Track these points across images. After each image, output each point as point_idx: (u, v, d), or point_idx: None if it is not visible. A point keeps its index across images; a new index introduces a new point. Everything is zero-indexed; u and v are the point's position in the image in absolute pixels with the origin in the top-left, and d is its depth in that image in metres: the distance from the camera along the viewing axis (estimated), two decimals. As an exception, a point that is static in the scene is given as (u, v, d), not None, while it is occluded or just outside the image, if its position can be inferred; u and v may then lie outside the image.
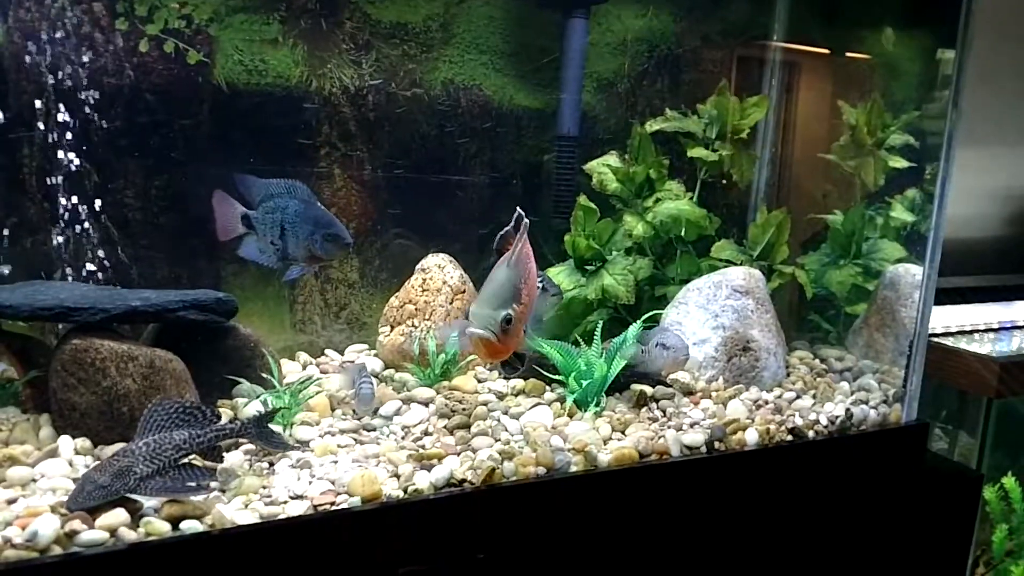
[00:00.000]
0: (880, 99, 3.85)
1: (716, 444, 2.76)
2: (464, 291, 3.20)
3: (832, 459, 3.01)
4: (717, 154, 3.50)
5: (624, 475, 2.53)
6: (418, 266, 3.26)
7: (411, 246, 3.42)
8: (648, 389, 2.96)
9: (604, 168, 3.42)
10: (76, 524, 1.85)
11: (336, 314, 3.38)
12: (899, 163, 3.79)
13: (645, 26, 3.68)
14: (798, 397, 3.21)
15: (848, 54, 4.15)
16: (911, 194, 3.92)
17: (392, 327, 3.19)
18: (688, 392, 3.06)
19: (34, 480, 2.07)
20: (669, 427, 2.80)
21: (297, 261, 2.56)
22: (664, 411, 2.92)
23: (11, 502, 1.96)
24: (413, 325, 3.13)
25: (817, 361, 3.63)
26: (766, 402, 3.11)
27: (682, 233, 3.38)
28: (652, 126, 3.49)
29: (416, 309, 3.16)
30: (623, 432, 2.73)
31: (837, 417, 3.06)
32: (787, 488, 2.90)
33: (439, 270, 3.21)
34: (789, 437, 2.93)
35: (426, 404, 2.82)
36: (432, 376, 2.97)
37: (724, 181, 3.69)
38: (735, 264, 3.44)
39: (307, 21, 3.08)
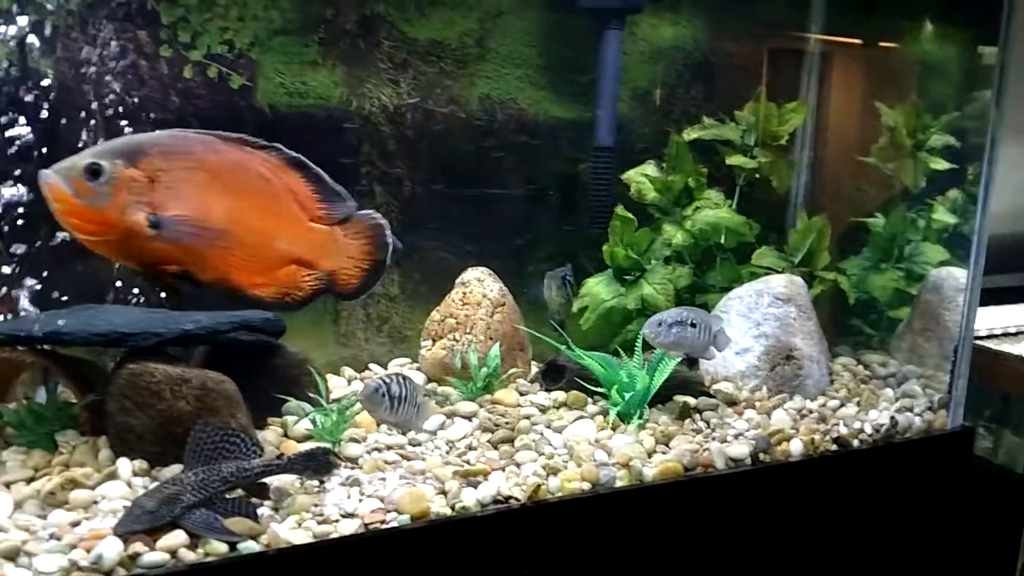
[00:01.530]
0: (919, 100, 3.80)
1: (761, 455, 2.76)
2: (504, 304, 3.22)
3: (878, 468, 2.99)
4: (756, 161, 3.49)
5: (669, 489, 2.54)
6: (458, 280, 3.29)
7: (449, 259, 3.45)
8: (691, 400, 2.97)
9: (642, 177, 3.43)
10: (139, 546, 1.90)
11: (378, 328, 3.43)
12: (940, 165, 3.74)
13: (679, 33, 3.68)
14: (842, 405, 3.19)
15: (885, 54, 4.12)
16: (953, 195, 3.88)
17: (434, 341, 3.22)
18: (731, 402, 3.06)
19: (95, 502, 2.13)
20: (713, 439, 2.80)
21: None
22: (708, 422, 2.92)
23: (75, 524, 2.02)
24: (454, 339, 3.16)
25: (860, 367, 3.61)
26: (810, 411, 3.09)
27: (722, 240, 3.38)
28: (689, 134, 3.49)
29: (457, 323, 3.19)
30: (667, 445, 2.74)
31: (882, 425, 3.04)
32: (833, 498, 2.89)
33: (479, 284, 3.24)
34: (834, 447, 2.92)
35: (469, 418, 2.84)
36: (474, 390, 2.99)
37: (760, 187, 3.68)
38: (776, 271, 3.42)
39: (345, 42, 3.12)
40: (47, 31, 2.61)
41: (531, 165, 3.51)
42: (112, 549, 1.88)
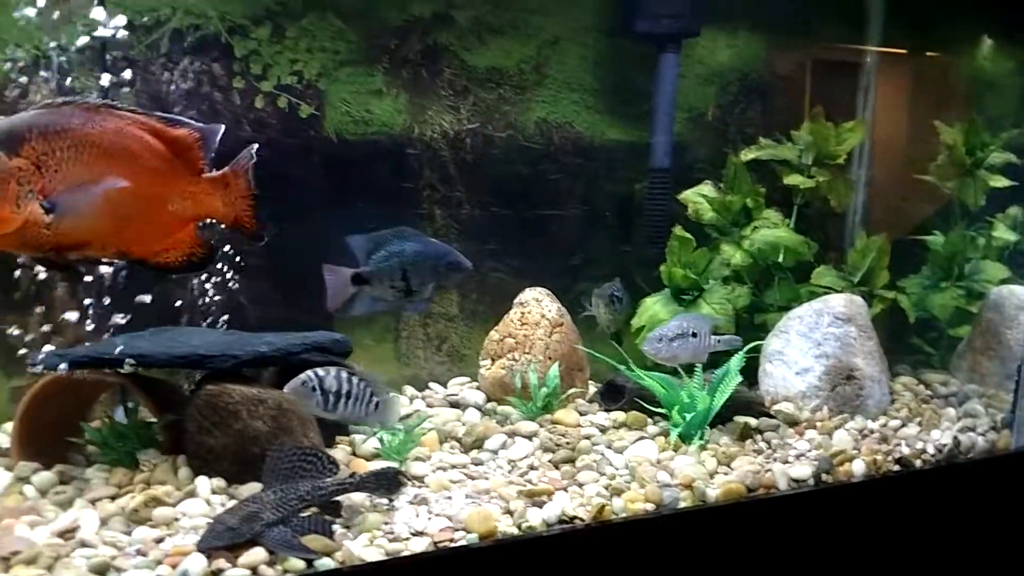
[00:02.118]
0: (978, 117, 3.78)
1: (823, 476, 2.75)
2: (562, 324, 3.26)
3: (941, 489, 2.96)
4: (813, 180, 3.49)
5: (733, 510, 2.54)
6: (516, 300, 3.34)
7: (507, 280, 3.51)
8: (752, 421, 2.97)
9: (699, 198, 3.46)
10: (221, 563, 1.97)
11: (437, 347, 3.49)
12: (1000, 182, 3.71)
13: (735, 55, 3.71)
14: (904, 425, 3.17)
15: (943, 72, 4.09)
16: (1013, 213, 3.84)
17: (493, 360, 3.27)
18: (792, 423, 3.05)
19: (176, 519, 2.21)
20: (775, 460, 2.81)
21: (422, 295, 2.68)
22: (769, 443, 2.92)
23: (159, 541, 2.10)
24: (513, 359, 3.21)
25: (921, 387, 3.58)
26: (871, 431, 3.08)
27: (780, 260, 3.38)
28: (747, 155, 3.51)
29: (516, 343, 3.23)
30: (728, 466, 2.75)
31: (945, 446, 3.02)
32: (897, 520, 2.86)
33: (537, 304, 3.29)
34: (897, 467, 2.90)
35: (530, 438, 2.88)
36: (534, 409, 3.03)
37: (817, 206, 3.67)
38: (835, 291, 3.42)
39: (408, 71, 3.22)
40: (127, 66, 2.74)
41: (587, 187, 3.56)
42: (197, 565, 1.95)
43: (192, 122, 2.17)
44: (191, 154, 2.16)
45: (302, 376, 2.37)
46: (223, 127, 2.20)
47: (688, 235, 3.40)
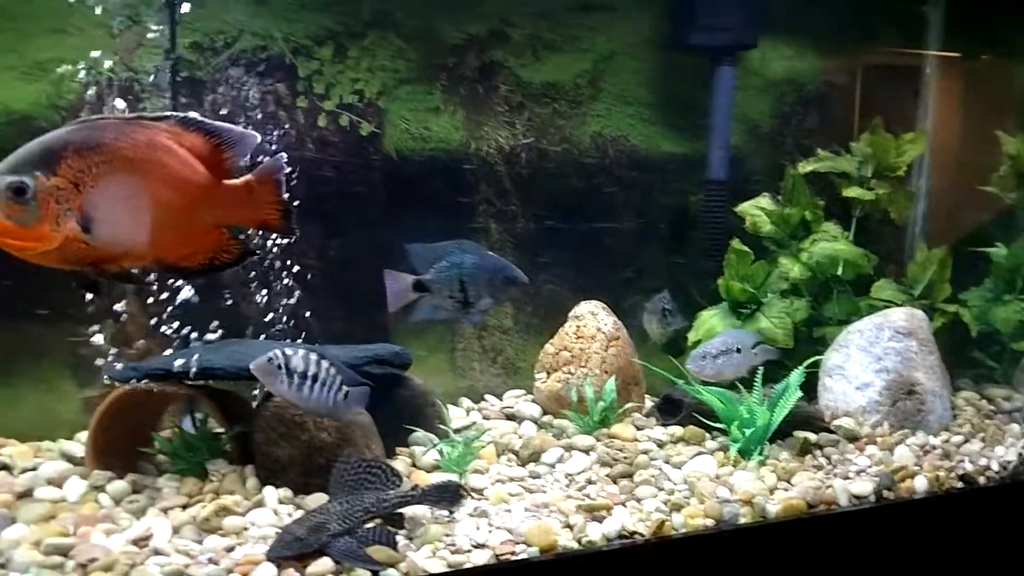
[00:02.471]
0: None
1: (884, 493, 2.72)
2: (618, 338, 3.27)
3: (1006, 506, 2.90)
4: (873, 192, 3.45)
5: (794, 526, 2.52)
6: (571, 313, 3.35)
7: (562, 293, 3.53)
8: (812, 436, 2.95)
9: (757, 210, 3.44)
10: (290, 572, 2.02)
11: (492, 360, 3.52)
12: (1065, 192, 3.63)
13: (791, 66, 3.69)
14: (966, 441, 3.11)
15: (1006, 82, 4.02)
16: (1079, 222, 3.75)
17: (548, 373, 3.29)
18: (852, 438, 3.02)
19: (245, 529, 2.27)
20: (835, 475, 2.78)
21: (478, 307, 2.71)
22: (829, 458, 2.90)
23: (229, 550, 2.16)
24: (569, 372, 3.22)
25: (984, 402, 3.51)
26: (933, 447, 3.03)
27: (839, 273, 3.35)
28: (805, 167, 3.48)
29: (571, 356, 3.25)
30: (788, 481, 2.73)
31: (1009, 462, 2.95)
32: (961, 537, 2.81)
33: (592, 317, 3.30)
34: (960, 484, 2.85)
35: (587, 452, 2.89)
36: (591, 423, 3.04)
37: (876, 218, 3.63)
38: (896, 304, 3.37)
39: (465, 88, 3.27)
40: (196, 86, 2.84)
41: (642, 199, 3.57)
42: (267, 575, 2.00)
43: (221, 126, 2.16)
44: (217, 158, 2.15)
45: (268, 353, 2.27)
46: (258, 136, 2.20)
47: (746, 248, 3.39)
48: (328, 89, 3.06)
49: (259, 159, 2.24)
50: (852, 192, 3.44)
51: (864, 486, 2.69)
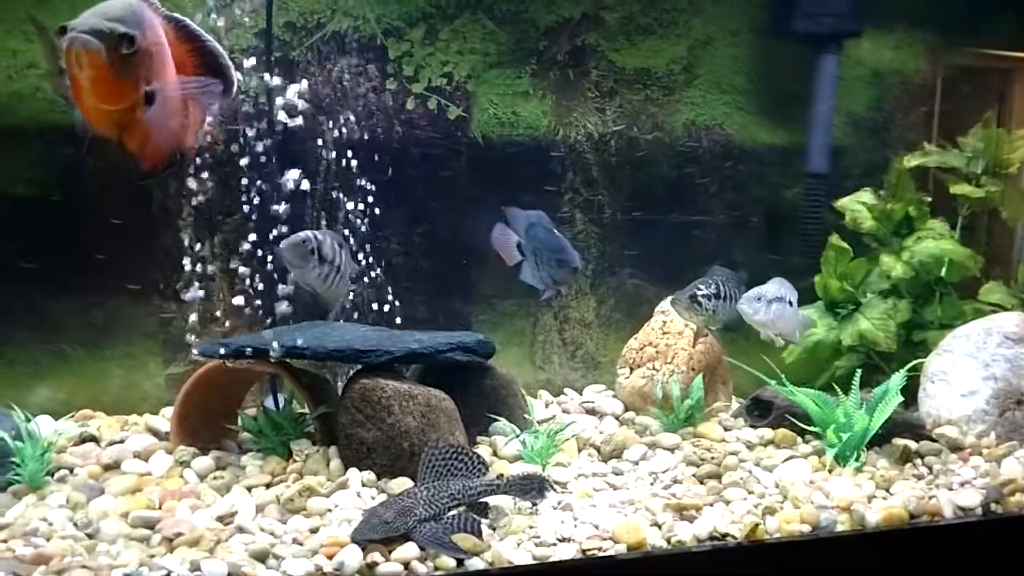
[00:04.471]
0: None
1: (992, 506, 2.55)
2: (707, 334, 3.15)
3: None
4: (983, 190, 3.26)
5: (895, 536, 2.39)
6: (658, 308, 3.26)
7: (645, 286, 3.44)
8: (912, 444, 2.79)
9: (858, 205, 3.29)
10: (376, 555, 1.99)
11: (572, 353, 3.45)
12: None
13: (898, 56, 3.52)
14: (1082, 457, 2.91)
15: None
16: None
17: (631, 369, 3.20)
18: (956, 447, 2.85)
19: (329, 510, 2.24)
20: (938, 485, 2.62)
21: (547, 281, 2.70)
22: (930, 468, 2.74)
23: (313, 531, 2.14)
24: (654, 368, 3.13)
25: (1101, 415, 3.28)
26: (1046, 462, 2.84)
27: (943, 274, 3.17)
28: (911, 161, 3.31)
29: (657, 352, 3.15)
30: (887, 490, 2.58)
31: None
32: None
33: (679, 312, 3.19)
34: (1075, 502, 2.66)
35: (672, 450, 2.80)
36: (676, 422, 2.94)
37: (983, 217, 3.44)
38: (1005, 309, 3.18)
39: (555, 73, 3.20)
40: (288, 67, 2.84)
41: (735, 191, 3.45)
42: (354, 557, 1.97)
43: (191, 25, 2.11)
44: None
45: (301, 235, 2.20)
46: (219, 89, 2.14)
47: (845, 245, 3.24)
48: (417, 72, 3.02)
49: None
50: (960, 190, 3.26)
51: (971, 498, 2.53)
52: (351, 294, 2.47)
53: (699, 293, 2.72)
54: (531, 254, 2.70)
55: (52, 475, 2.39)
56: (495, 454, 2.68)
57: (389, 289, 3.07)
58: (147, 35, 1.89)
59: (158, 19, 1.99)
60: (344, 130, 2.94)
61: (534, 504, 2.35)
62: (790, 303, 2.75)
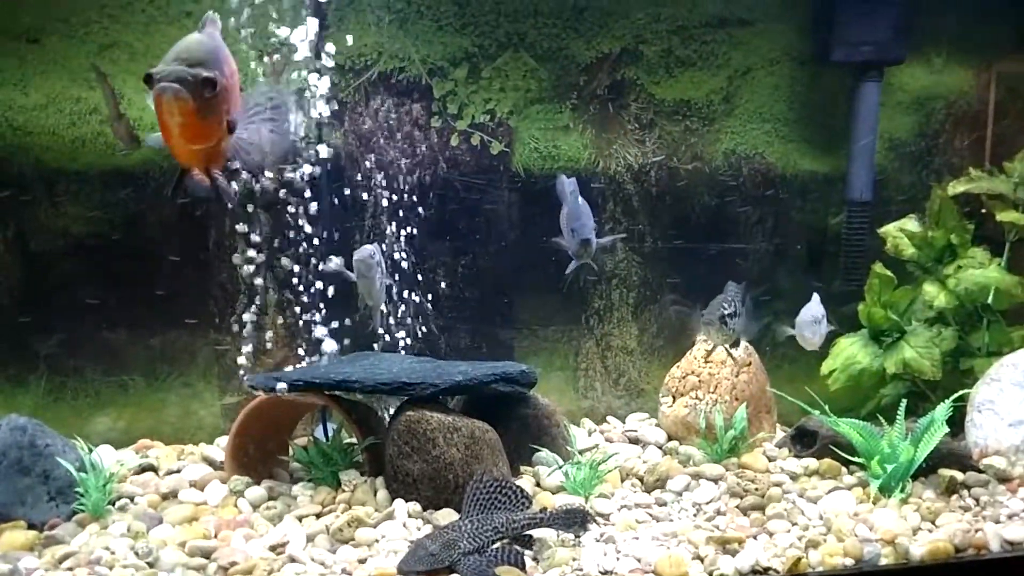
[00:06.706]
0: None
1: (1042, 540, 2.51)
2: (750, 363, 3.16)
3: None
4: (1031, 216, 3.22)
5: (940, 571, 2.37)
6: (700, 336, 3.26)
7: (687, 314, 3.45)
8: (958, 475, 2.76)
9: (900, 233, 3.26)
10: (421, 588, 2.04)
11: (615, 381, 3.48)
12: None
13: (940, 81, 3.50)
14: None
15: None
16: None
17: (674, 398, 3.21)
18: (1004, 479, 2.81)
19: (376, 541, 2.30)
20: (986, 518, 2.59)
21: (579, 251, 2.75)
22: (977, 500, 2.71)
23: (362, 561, 2.20)
24: (697, 397, 3.14)
25: None
26: (1097, 495, 2.78)
27: (990, 302, 3.13)
28: (955, 188, 3.28)
29: (700, 381, 3.16)
30: (933, 522, 2.56)
31: None
32: None
33: (722, 340, 3.20)
34: None
35: (715, 481, 2.80)
36: (720, 452, 2.94)
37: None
38: (1055, 338, 3.13)
39: (595, 106, 3.25)
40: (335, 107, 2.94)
41: (777, 219, 3.46)
42: (399, 589, 2.03)
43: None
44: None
45: (369, 248, 2.65)
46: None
47: (889, 273, 3.22)
48: (461, 109, 3.10)
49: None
50: (1007, 216, 3.21)
51: (1020, 531, 2.49)
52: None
53: (725, 312, 2.82)
54: (564, 220, 2.76)
55: (114, 504, 2.49)
56: (538, 485, 2.72)
57: (435, 317, 3.15)
58: (225, 71, 1.99)
59: (226, 49, 2.09)
60: (392, 166, 3.04)
61: (577, 536, 2.38)
62: (828, 321, 2.93)
